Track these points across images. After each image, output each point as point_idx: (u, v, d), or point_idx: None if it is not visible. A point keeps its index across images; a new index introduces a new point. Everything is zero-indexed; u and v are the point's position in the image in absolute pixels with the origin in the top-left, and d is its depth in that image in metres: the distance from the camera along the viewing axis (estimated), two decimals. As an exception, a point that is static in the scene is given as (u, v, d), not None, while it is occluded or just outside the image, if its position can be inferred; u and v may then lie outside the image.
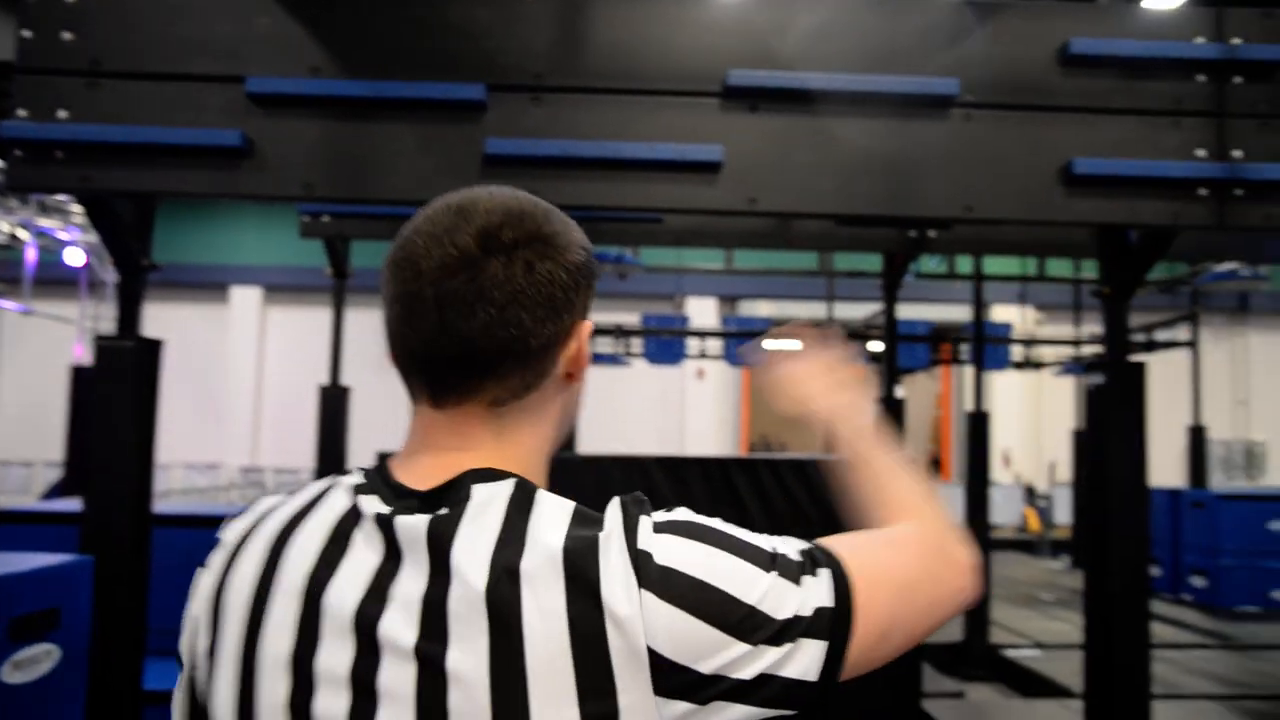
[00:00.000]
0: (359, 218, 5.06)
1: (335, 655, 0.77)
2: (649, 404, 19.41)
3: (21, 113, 2.72)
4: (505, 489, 0.80)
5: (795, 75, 2.78)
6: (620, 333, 11.03)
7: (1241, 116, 2.86)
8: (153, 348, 3.22)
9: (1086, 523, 3.33)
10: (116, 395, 3.10)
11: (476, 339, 0.82)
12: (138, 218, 3.22)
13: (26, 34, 2.71)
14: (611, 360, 11.77)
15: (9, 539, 4.19)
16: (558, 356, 0.86)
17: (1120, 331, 3.45)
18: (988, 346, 12.02)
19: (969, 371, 8.19)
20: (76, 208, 14.19)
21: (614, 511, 0.79)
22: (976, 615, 7.52)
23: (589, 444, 12.82)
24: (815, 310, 17.35)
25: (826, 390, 1.18)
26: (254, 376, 19.69)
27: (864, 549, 0.89)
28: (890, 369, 6.47)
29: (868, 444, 1.09)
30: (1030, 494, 16.91)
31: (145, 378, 3.15)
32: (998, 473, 18.64)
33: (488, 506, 0.78)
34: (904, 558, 0.91)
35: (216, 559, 0.92)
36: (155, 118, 2.75)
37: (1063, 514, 15.19)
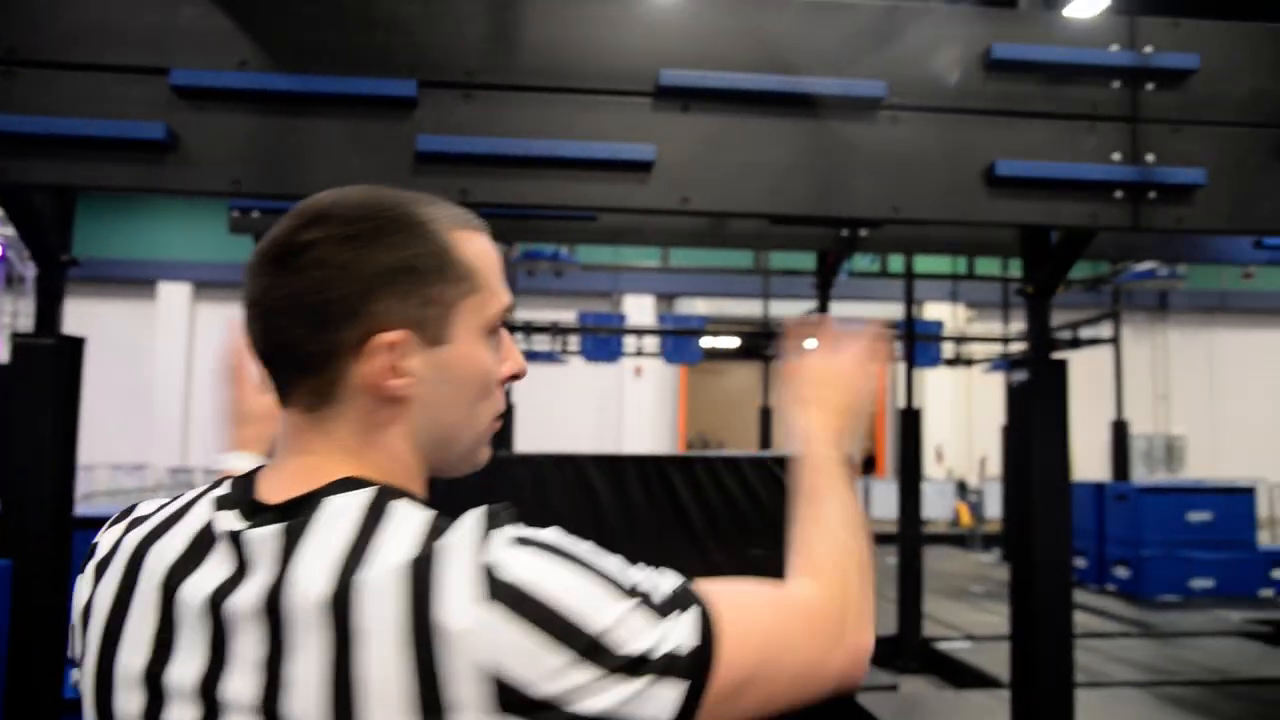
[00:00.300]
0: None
1: (186, 667, 0.77)
2: (587, 402, 19.42)
3: (-68, 103, 2.64)
4: (360, 499, 0.77)
5: (726, 76, 2.81)
6: (557, 330, 11.03)
7: (1154, 121, 2.97)
8: (74, 346, 3.14)
9: (1010, 517, 3.42)
10: (35, 396, 3.02)
11: (259, 343, 0.82)
12: (57, 211, 3.14)
13: (-63, 22, 2.63)
14: (548, 358, 11.77)
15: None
16: (345, 370, 0.80)
17: (1042, 329, 3.55)
18: (920, 344, 12.26)
19: (903, 369, 8.33)
20: (-5, 201, 13.76)
21: (469, 521, 0.76)
22: (909, 608, 7.66)
23: (526, 442, 12.81)
24: (751, 308, 17.51)
25: (817, 402, 1.10)
26: (183, 374, 19.27)
27: (743, 601, 0.84)
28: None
29: (824, 480, 1.02)
30: (962, 489, 17.28)
31: (66, 377, 3.08)
32: (930, 468, 19.01)
33: (338, 518, 0.76)
34: (785, 621, 0.86)
35: (89, 566, 0.90)
36: (75, 109, 2.69)
37: (994, 508, 15.56)
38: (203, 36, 2.70)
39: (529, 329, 10.87)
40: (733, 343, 17.01)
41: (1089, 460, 18.93)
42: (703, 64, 2.85)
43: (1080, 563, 11.32)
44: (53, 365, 3.05)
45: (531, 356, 11.58)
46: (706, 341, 13.14)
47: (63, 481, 3.10)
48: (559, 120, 2.78)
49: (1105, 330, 13.38)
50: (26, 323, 14.43)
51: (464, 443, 0.90)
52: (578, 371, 17.00)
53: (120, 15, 2.71)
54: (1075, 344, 12.89)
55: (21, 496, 3.02)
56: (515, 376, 0.92)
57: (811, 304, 10.86)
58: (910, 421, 7.83)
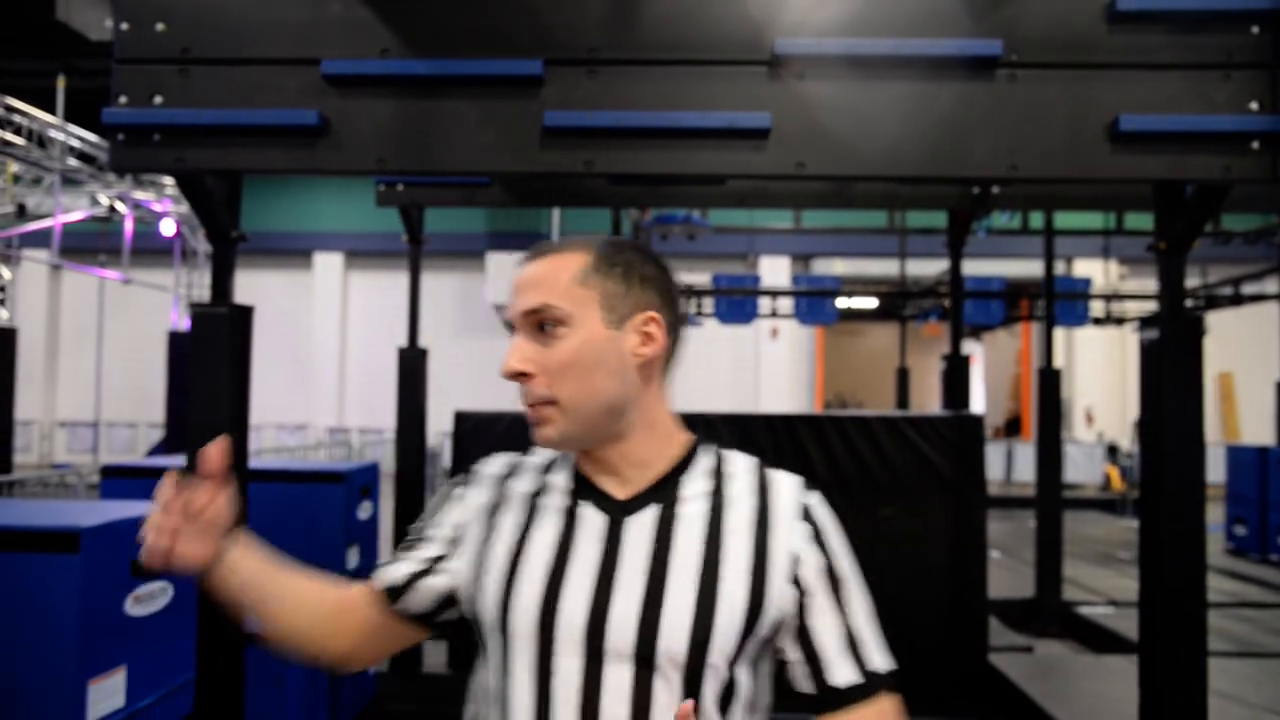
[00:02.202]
0: (432, 186, 5.27)
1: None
2: (722, 364, 19.51)
3: (122, 99, 2.96)
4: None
5: (841, 42, 2.86)
6: (691, 293, 11.14)
7: (1294, 68, 2.86)
8: (244, 314, 3.46)
9: (1142, 479, 3.39)
10: (212, 359, 3.36)
11: None
12: (227, 192, 3.45)
13: (124, 26, 2.93)
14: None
15: (121, 491, 4.55)
16: None
17: (1175, 285, 3.46)
18: (1068, 303, 11.83)
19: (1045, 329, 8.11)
20: (169, 180, 14.79)
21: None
22: (1048, 572, 7.53)
23: (662, 403, 13.00)
24: (889, 268, 17.19)
25: None
26: (338, 340, 20.33)
27: None
28: (956, 326, 6.48)
29: None
30: (1113, 452, 16.62)
31: (239, 342, 3.40)
32: (1080, 430, 18.31)
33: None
34: None
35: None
36: (240, 100, 2.96)
37: (1146, 472, 14.85)
38: (348, 28, 2.93)
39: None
40: (870, 303, 16.76)
41: (1255, 424, 17.86)
42: (818, 31, 2.90)
43: (1241, 530, 10.80)
44: (227, 331, 3.38)
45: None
46: (843, 302, 13.03)
47: (239, 438, 3.44)
48: (678, 92, 2.89)
49: (1270, 285, 12.58)
50: (200, 293, 15.50)
51: None
52: (713, 334, 17.11)
53: (277, 12, 2.96)
54: (1237, 300, 12.18)
55: (203, 447, 3.36)
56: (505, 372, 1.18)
57: (948, 263, 10.63)
58: (1049, 382, 7.63)
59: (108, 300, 15.82)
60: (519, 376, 1.14)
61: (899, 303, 12.50)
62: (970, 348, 22.62)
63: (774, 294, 11.78)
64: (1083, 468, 16.38)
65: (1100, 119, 2.88)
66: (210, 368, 3.38)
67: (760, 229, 14.37)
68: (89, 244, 16.45)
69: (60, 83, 12.49)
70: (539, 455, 1.28)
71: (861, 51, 2.85)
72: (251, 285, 18.04)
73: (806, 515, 1.19)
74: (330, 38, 2.93)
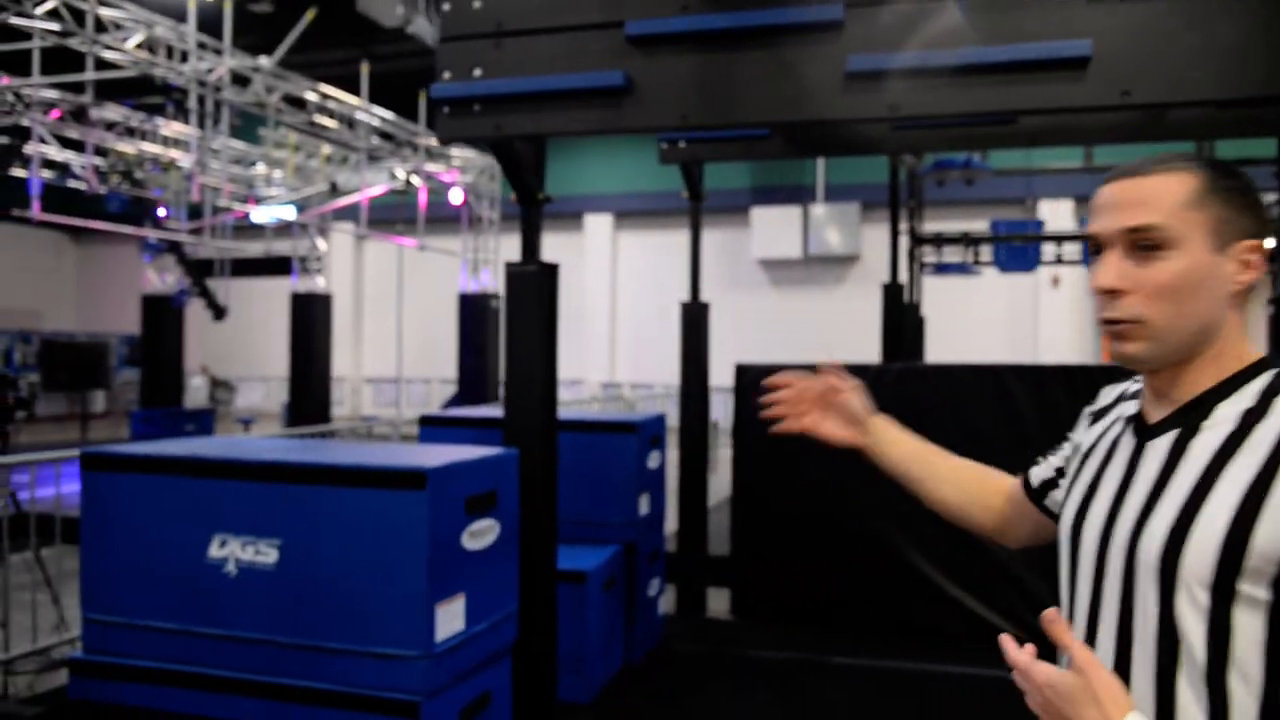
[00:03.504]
0: (713, 141, 5.34)
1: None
2: (996, 315, 18.56)
3: (446, 75, 3.21)
4: None
5: (1174, -46, 2.62)
6: (969, 240, 10.64)
7: None
8: (551, 271, 3.69)
9: None
10: (526, 313, 3.60)
11: None
12: (535, 157, 3.68)
13: (446, 7, 3.17)
14: (960, 270, 11.40)
15: (437, 437, 5.00)
16: None
17: None
18: None
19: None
20: (456, 152, 15.86)
21: None
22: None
23: (935, 355, 12.56)
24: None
25: None
26: (609, 298, 21.12)
27: None
28: (1285, 266, 5.81)
29: None
30: None
31: (547, 297, 3.63)
32: None
33: None
34: None
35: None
36: (549, 67, 3.13)
37: None
38: (650, -13, 3.01)
39: (939, 240, 10.58)
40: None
41: None
42: (1145, -55, 2.67)
43: None
44: (537, 288, 3.61)
45: (942, 269, 11.32)
46: (1138, 245, 12.02)
47: (548, 384, 3.68)
48: (986, 24, 2.76)
49: None
50: (484, 256, 16.58)
51: None
52: (990, 283, 16.29)
53: (582, -22, 3.09)
54: None
55: (520, 397, 3.63)
56: (1093, 289, 1.20)
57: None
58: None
59: (406, 267, 17.27)
60: (1110, 293, 1.16)
61: (1206, 243, 11.34)
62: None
63: (1060, 239, 11.01)
64: None
65: None
66: (523, 320, 3.63)
67: (1040, 170, 13.44)
68: (387, 215, 17.98)
69: (364, 68, 13.67)
70: (1137, 381, 1.32)
71: (1199, -38, 2.59)
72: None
73: None
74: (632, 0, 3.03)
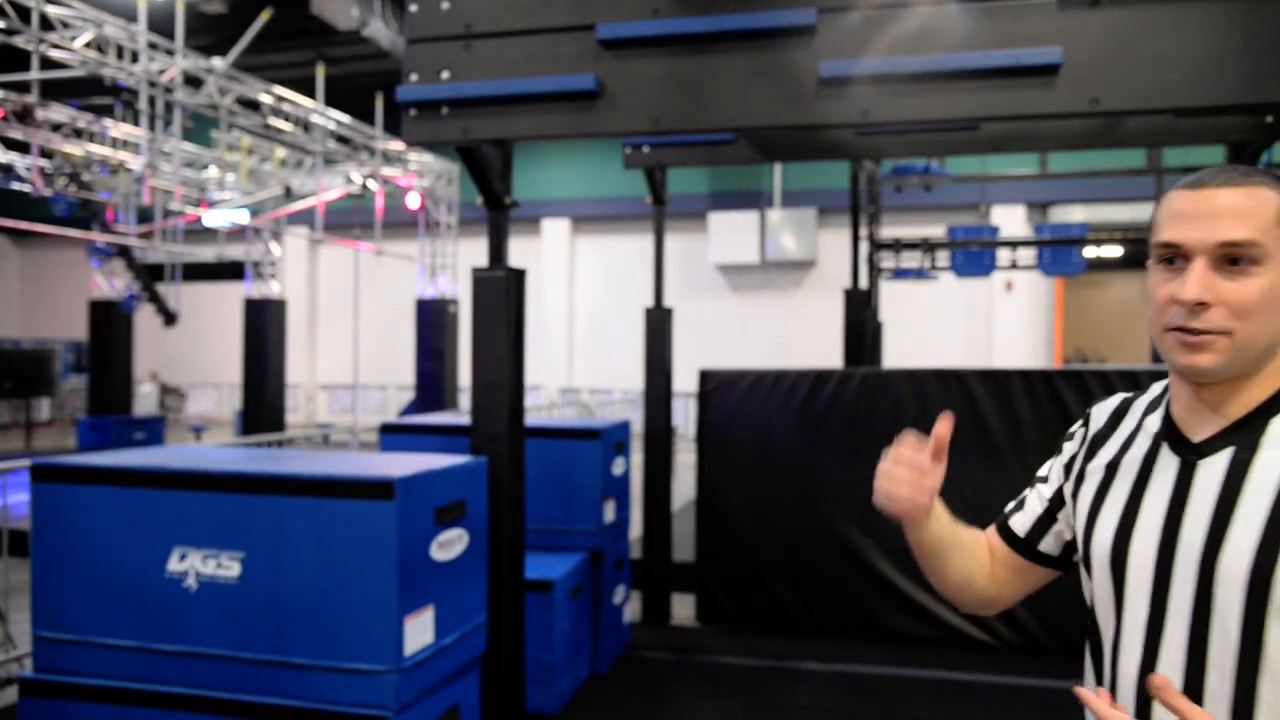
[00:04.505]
0: (677, 146, 5.32)
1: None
2: (953, 319, 18.78)
3: (413, 77, 3.15)
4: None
5: (1143, -37, 2.64)
6: (927, 246, 10.73)
7: None
8: (519, 276, 3.64)
9: None
10: (493, 319, 3.55)
11: None
12: (501, 161, 3.63)
13: (414, 8, 3.12)
14: (918, 275, 11.51)
15: (397, 446, 4.91)
16: None
17: None
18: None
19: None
20: (414, 156, 15.70)
21: None
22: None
23: (893, 360, 12.66)
24: (1135, 213, 15.91)
25: None
26: (566, 303, 21.03)
27: None
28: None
29: None
30: None
31: (515, 302, 3.58)
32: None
33: None
34: None
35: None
36: (519, 70, 3.09)
37: None
38: (621, -9, 2.98)
39: (899, 246, 10.67)
40: (1116, 252, 15.59)
41: None
42: (1114, -47, 2.70)
43: None
44: (504, 292, 3.56)
45: (900, 274, 11.40)
46: (1090, 251, 12.20)
47: (516, 392, 3.63)
48: (958, 31, 2.77)
49: None
50: (442, 262, 16.43)
51: (1159, 346, 1.19)
52: (944, 288, 16.47)
53: (552, -19, 3.05)
54: None
55: (487, 404, 3.58)
56: (1175, 299, 1.14)
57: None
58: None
59: (362, 272, 17.05)
60: (1198, 306, 1.14)
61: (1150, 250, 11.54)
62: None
63: (1016, 244, 11.15)
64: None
65: None
66: (490, 326, 3.58)
67: (994, 176, 13.62)
68: (343, 220, 17.76)
69: (320, 70, 13.48)
70: (1145, 395, 1.32)
71: (1168, -29, 2.62)
72: (485, 254, 18.93)
73: None
74: (603, 2, 2.99)
